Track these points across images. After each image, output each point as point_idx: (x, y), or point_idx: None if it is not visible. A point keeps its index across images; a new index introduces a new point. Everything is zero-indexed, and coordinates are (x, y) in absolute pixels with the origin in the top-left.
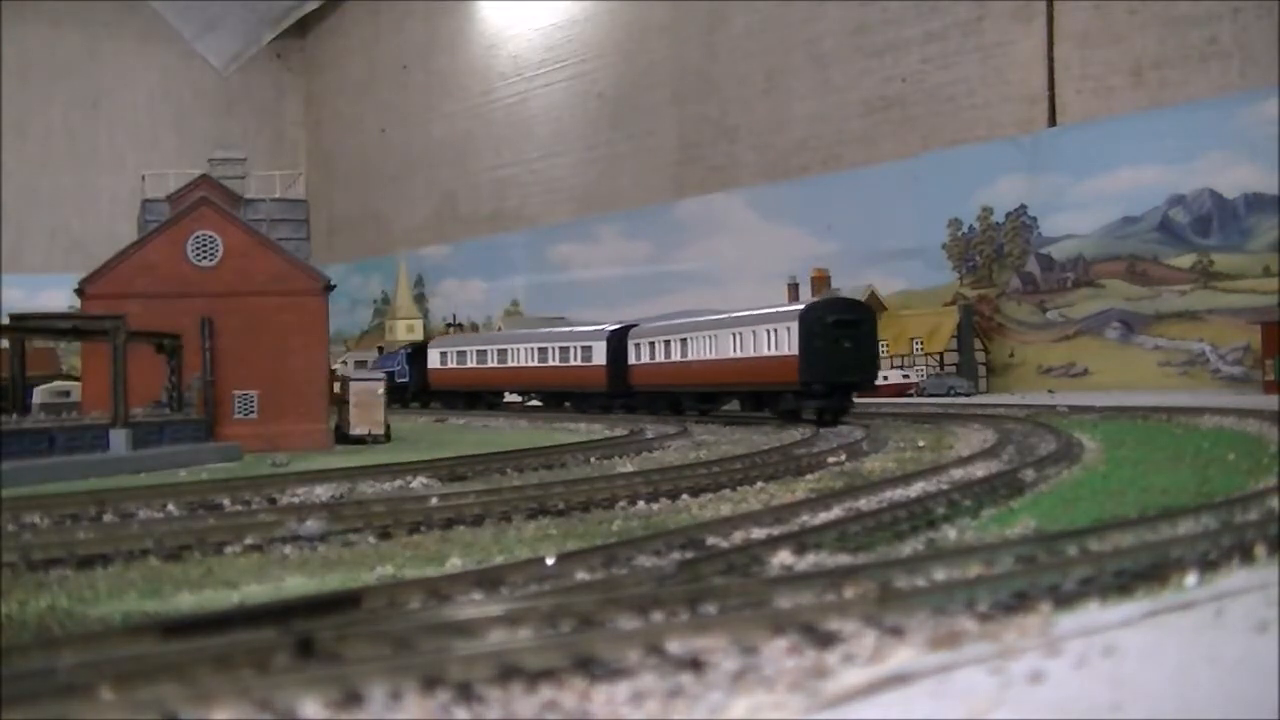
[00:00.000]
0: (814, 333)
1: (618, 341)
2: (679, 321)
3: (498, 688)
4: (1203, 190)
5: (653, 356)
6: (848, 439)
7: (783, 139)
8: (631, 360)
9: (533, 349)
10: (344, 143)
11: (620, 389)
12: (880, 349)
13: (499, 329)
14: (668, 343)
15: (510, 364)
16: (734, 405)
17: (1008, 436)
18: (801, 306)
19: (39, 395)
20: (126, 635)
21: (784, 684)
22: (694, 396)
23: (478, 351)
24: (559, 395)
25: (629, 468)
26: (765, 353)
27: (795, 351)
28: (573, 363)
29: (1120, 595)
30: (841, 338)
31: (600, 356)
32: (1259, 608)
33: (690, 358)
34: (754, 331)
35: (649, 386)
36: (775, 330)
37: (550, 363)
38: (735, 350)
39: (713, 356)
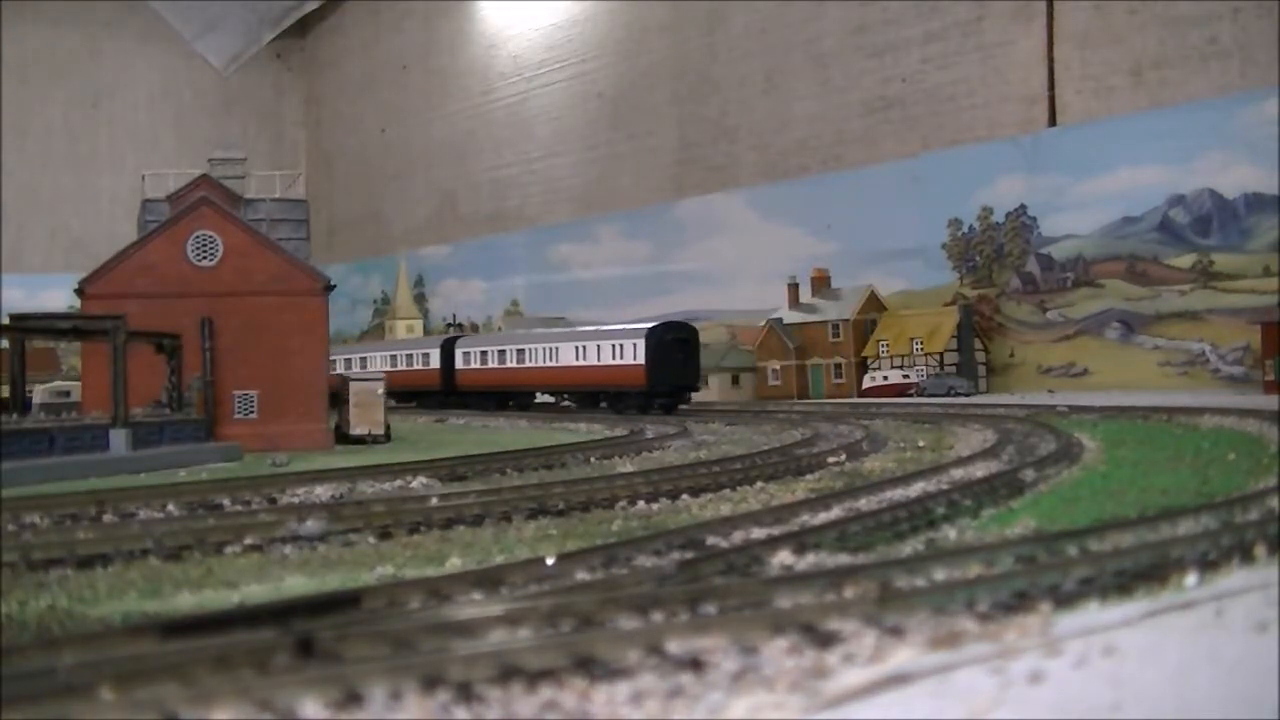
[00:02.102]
0: (657, 348)
1: (449, 349)
2: (504, 334)
3: (498, 688)
4: (1203, 190)
5: (482, 363)
6: (848, 439)
7: (783, 139)
8: (458, 365)
9: (386, 355)
10: (344, 143)
11: (450, 388)
12: (882, 348)
13: (499, 329)
14: (501, 352)
15: (369, 369)
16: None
17: (1008, 436)
18: (646, 327)
19: (37, 395)
20: (126, 635)
21: (784, 684)
22: (523, 395)
23: (344, 359)
24: (408, 394)
25: (629, 468)
26: (614, 362)
27: (643, 362)
28: (415, 367)
29: (1120, 595)
30: (676, 352)
31: (435, 361)
32: (1259, 608)
33: (527, 364)
34: (599, 345)
35: (472, 387)
36: (623, 345)
37: (399, 367)
38: (579, 360)
39: (553, 364)
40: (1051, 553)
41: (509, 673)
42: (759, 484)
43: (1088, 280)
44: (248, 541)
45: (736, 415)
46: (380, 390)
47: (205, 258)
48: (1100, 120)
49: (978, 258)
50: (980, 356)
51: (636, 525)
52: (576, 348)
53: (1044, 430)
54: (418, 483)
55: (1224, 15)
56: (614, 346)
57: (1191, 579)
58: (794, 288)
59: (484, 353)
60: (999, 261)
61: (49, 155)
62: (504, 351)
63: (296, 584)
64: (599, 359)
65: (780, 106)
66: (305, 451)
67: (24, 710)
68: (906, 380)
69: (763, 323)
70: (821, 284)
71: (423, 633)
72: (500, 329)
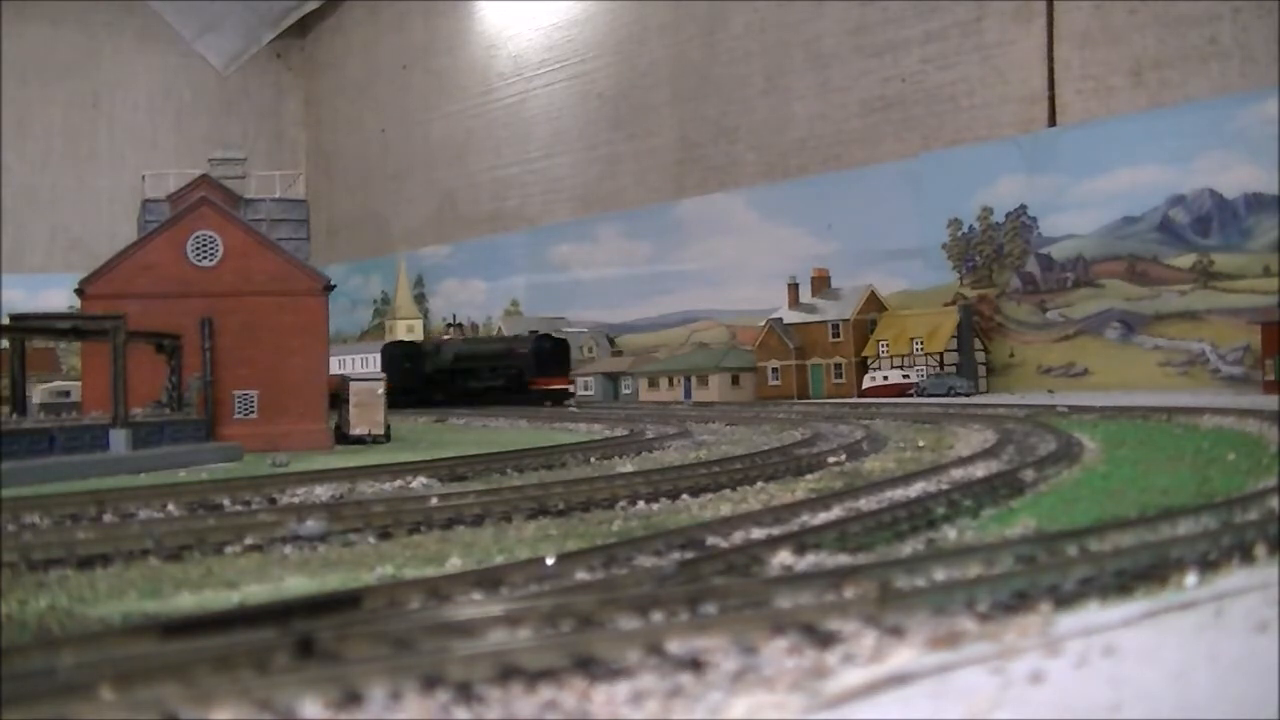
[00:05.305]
0: (389, 359)
1: None
2: None
3: (498, 688)
4: (1203, 190)
5: None
6: (848, 439)
7: (783, 139)
8: None
9: None
10: (344, 143)
11: None
12: (882, 348)
13: (499, 330)
14: None
15: None
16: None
17: (1008, 436)
18: (381, 344)
19: (37, 395)
20: (126, 635)
21: (784, 684)
22: None
23: None
24: None
25: (629, 468)
26: (363, 370)
27: (380, 369)
28: None
29: (1120, 595)
30: (404, 361)
31: None
32: (1259, 608)
33: None
34: (352, 358)
35: None
36: (369, 357)
37: None
38: (340, 368)
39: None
40: (1051, 553)
41: (509, 673)
42: (759, 484)
43: (1088, 280)
44: (248, 541)
45: (736, 415)
46: (380, 390)
47: (205, 258)
48: (1100, 120)
49: (978, 258)
50: (980, 356)
51: (636, 525)
52: (338, 360)
53: (1044, 430)
54: (418, 483)
55: (1224, 15)
56: (362, 359)
57: (1191, 579)
58: (794, 288)
59: None
60: (999, 261)
61: (49, 155)
62: None
63: (296, 584)
64: (352, 367)
65: (780, 106)
66: (305, 451)
67: (24, 710)
68: (906, 380)
69: (763, 323)
70: (821, 284)
71: (423, 633)
72: (500, 330)
